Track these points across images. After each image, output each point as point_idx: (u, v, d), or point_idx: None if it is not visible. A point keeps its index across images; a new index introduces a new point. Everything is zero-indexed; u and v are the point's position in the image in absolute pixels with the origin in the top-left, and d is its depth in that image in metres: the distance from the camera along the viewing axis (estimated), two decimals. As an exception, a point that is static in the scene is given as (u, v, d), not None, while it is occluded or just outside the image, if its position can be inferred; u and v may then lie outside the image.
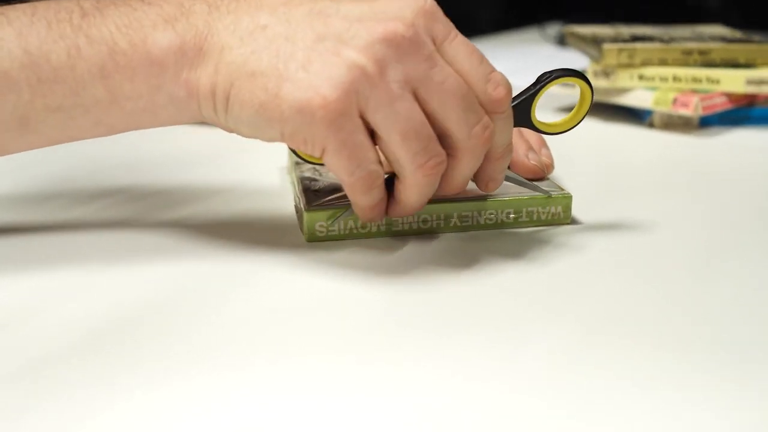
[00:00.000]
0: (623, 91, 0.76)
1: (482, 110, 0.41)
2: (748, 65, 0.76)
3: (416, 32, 0.39)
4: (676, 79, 0.74)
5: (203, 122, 0.43)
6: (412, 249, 0.45)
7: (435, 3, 0.41)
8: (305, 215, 0.46)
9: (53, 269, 0.43)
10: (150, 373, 0.33)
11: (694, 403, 0.31)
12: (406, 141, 0.40)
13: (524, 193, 0.49)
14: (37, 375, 0.33)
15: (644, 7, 1.48)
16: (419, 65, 0.39)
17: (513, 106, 0.44)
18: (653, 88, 0.74)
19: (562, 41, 1.24)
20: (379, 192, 0.42)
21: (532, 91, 0.46)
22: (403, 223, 0.47)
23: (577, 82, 0.46)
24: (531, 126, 0.46)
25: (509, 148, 0.44)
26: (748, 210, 0.54)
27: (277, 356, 0.34)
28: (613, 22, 1.27)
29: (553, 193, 0.49)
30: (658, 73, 0.74)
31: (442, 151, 0.41)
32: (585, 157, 0.68)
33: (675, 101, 0.72)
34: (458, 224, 0.48)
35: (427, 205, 0.45)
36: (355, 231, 0.46)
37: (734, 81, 0.73)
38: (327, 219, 0.46)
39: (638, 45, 0.75)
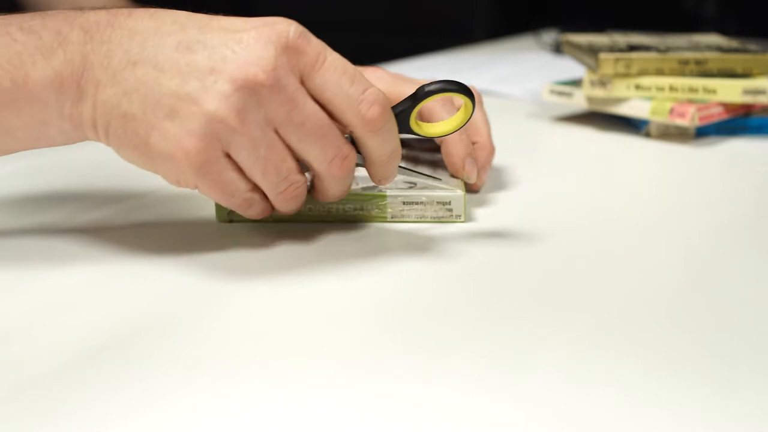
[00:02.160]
0: (619, 100, 0.76)
1: (341, 141, 0.44)
2: (744, 75, 0.76)
3: (276, 76, 0.40)
4: (672, 89, 0.74)
5: None
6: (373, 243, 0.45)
7: (299, 31, 0.41)
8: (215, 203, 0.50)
9: (43, 282, 0.43)
10: (147, 388, 0.33)
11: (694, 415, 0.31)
12: (267, 176, 0.43)
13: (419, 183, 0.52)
14: (33, 393, 0.32)
15: (640, 14, 1.48)
16: (280, 108, 0.41)
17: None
18: (650, 98, 0.74)
19: (557, 48, 1.24)
20: (258, 206, 0.45)
21: (408, 105, 0.46)
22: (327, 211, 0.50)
23: (458, 95, 0.46)
24: (411, 132, 0.47)
25: (395, 153, 0.46)
26: (743, 219, 0.54)
27: (270, 368, 0.34)
28: (608, 28, 1.27)
29: (443, 182, 0.52)
30: (655, 83, 0.74)
31: (301, 178, 0.44)
32: (581, 167, 0.68)
33: (672, 111, 0.72)
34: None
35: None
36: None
37: (731, 91, 0.73)
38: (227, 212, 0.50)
39: (635, 55, 0.75)
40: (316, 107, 0.42)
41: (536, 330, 0.38)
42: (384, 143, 0.45)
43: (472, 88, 0.46)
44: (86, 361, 0.35)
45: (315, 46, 0.42)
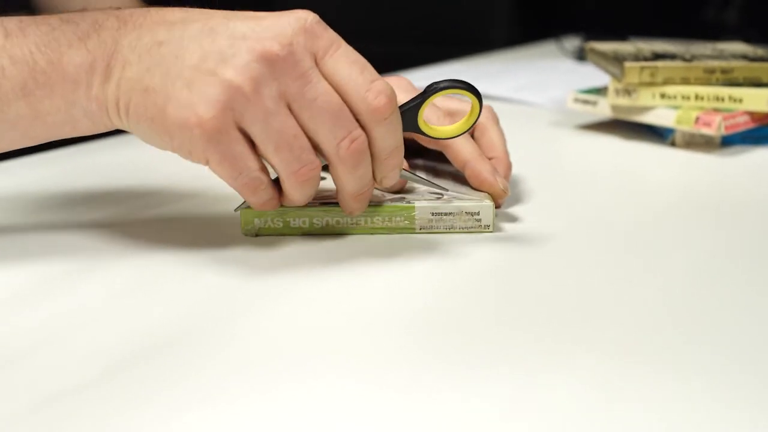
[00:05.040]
0: (645, 109, 0.75)
1: (353, 124, 0.44)
2: (770, 84, 0.75)
3: (292, 51, 0.42)
4: (698, 97, 0.74)
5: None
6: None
7: (317, 19, 0.44)
8: (241, 213, 0.50)
9: (58, 297, 0.43)
10: (167, 404, 0.33)
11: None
12: (279, 151, 0.43)
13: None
14: (50, 410, 0.32)
15: (661, 21, 1.47)
16: (293, 82, 0.43)
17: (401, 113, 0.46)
18: (675, 107, 0.74)
19: (580, 56, 1.24)
20: (265, 193, 0.46)
21: (418, 101, 0.47)
22: (344, 224, 0.50)
23: (466, 93, 0.47)
24: (418, 131, 0.48)
25: (397, 150, 0.46)
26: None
27: (295, 379, 0.34)
28: (630, 36, 1.26)
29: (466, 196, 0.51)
30: (680, 92, 0.74)
31: (315, 159, 0.45)
32: (606, 176, 0.67)
33: (697, 120, 0.72)
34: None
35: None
36: (292, 227, 0.50)
37: (757, 100, 0.73)
38: (252, 215, 0.49)
39: (660, 63, 0.75)
40: (329, 87, 0.44)
41: (560, 345, 0.38)
42: (387, 136, 0.45)
43: (486, 108, 0.47)
44: (105, 376, 0.35)
45: (330, 33, 0.44)
